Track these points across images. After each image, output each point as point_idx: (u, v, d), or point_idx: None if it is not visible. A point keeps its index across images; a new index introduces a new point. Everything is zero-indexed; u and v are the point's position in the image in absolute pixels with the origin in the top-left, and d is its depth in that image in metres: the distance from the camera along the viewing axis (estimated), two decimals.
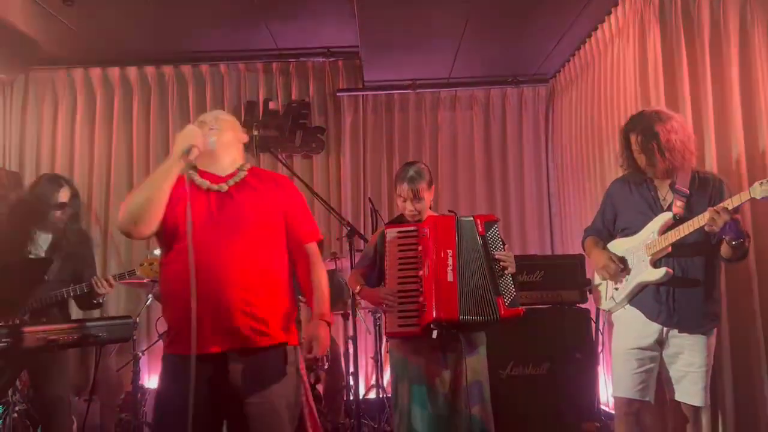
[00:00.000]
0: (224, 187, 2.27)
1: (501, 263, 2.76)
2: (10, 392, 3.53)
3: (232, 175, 2.32)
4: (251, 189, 2.31)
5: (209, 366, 2.11)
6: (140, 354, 4.13)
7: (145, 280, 3.90)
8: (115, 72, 5.62)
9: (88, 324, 2.82)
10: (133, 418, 4.06)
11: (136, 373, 4.08)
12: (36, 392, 3.52)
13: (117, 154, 5.57)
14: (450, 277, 2.72)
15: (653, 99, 3.68)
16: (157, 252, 3.10)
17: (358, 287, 2.97)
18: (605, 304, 3.06)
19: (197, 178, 2.27)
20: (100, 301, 3.58)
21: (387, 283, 2.84)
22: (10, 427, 3.58)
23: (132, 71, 5.62)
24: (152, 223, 2.13)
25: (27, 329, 2.58)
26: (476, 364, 2.83)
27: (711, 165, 3.34)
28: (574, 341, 3.97)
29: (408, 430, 2.78)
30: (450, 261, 2.75)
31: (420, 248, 2.82)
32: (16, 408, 3.79)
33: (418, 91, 5.81)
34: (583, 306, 4.05)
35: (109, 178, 5.54)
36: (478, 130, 5.86)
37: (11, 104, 5.53)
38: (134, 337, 4.21)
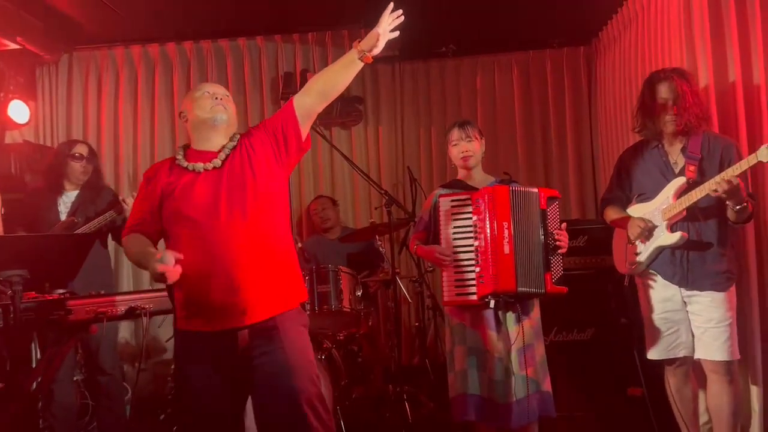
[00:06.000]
0: (218, 162, 2.28)
1: (556, 241, 2.85)
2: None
3: (223, 148, 2.32)
4: (243, 155, 2.29)
5: (224, 341, 2.18)
6: None
7: None
8: (155, 48, 5.66)
9: (135, 296, 2.91)
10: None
11: None
12: (87, 369, 3.63)
13: (160, 128, 5.64)
14: (506, 249, 2.81)
15: (699, 50, 3.49)
16: None
17: (415, 246, 3.12)
18: (627, 268, 3.15)
19: (185, 164, 2.30)
20: None
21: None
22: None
23: (171, 47, 5.66)
24: None
25: (75, 302, 2.67)
26: (530, 327, 2.93)
27: (765, 116, 3.23)
28: (619, 306, 3.92)
29: (464, 392, 2.87)
30: (506, 233, 2.82)
31: (474, 218, 2.89)
32: (75, 378, 3.94)
33: (455, 57, 5.70)
34: None
35: (153, 152, 5.62)
36: (519, 95, 5.73)
37: (57, 83, 5.65)
38: None
